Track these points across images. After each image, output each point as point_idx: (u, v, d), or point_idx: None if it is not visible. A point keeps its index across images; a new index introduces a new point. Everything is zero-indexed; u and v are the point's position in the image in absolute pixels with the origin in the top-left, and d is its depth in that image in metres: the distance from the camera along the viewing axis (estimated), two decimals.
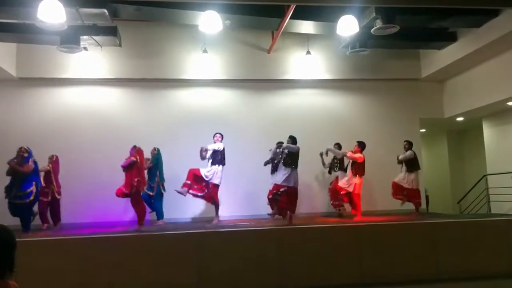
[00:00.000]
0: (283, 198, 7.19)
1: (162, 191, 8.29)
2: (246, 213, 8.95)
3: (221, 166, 7.73)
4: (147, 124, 9.46)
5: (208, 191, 7.70)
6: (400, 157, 8.60)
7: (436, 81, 10.59)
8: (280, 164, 7.39)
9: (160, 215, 8.27)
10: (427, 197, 10.91)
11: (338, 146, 8.82)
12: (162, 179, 8.31)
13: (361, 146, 8.14)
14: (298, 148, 7.39)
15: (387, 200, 8.89)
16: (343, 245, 6.24)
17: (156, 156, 8.28)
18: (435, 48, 9.58)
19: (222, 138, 7.82)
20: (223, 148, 7.75)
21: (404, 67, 10.38)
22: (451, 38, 9.10)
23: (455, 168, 12.94)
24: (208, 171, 7.66)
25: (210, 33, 7.98)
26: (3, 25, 7.66)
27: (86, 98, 9.44)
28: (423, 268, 6.18)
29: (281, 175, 7.26)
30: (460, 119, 11.05)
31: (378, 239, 6.34)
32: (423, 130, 11.76)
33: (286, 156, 7.32)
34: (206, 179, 7.63)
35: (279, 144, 7.79)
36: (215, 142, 7.76)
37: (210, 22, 7.20)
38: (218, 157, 7.70)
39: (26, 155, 7.07)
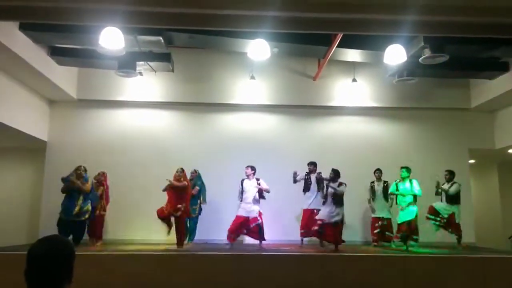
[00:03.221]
0: (329, 231, 7.46)
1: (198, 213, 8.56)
2: (288, 238, 8.91)
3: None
4: (194, 145, 9.74)
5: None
6: (450, 189, 8.34)
7: (487, 111, 10.27)
8: (330, 199, 7.62)
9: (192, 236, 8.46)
10: None
11: (380, 172, 8.81)
12: (204, 200, 8.62)
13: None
14: (343, 193, 7.65)
15: (433, 232, 8.58)
16: (388, 275, 6.11)
17: (198, 178, 8.56)
18: (486, 78, 9.33)
19: (254, 172, 8.13)
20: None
21: (453, 96, 10.17)
22: (503, 68, 8.83)
23: (507, 201, 12.31)
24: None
25: (258, 60, 8.24)
26: (66, 50, 8.26)
27: (139, 119, 9.88)
28: None
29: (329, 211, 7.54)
30: None
31: (424, 272, 6.16)
32: (472, 161, 11.37)
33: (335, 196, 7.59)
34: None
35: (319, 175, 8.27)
36: (247, 175, 8.10)
37: (258, 49, 7.46)
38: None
39: (84, 173, 7.46)
